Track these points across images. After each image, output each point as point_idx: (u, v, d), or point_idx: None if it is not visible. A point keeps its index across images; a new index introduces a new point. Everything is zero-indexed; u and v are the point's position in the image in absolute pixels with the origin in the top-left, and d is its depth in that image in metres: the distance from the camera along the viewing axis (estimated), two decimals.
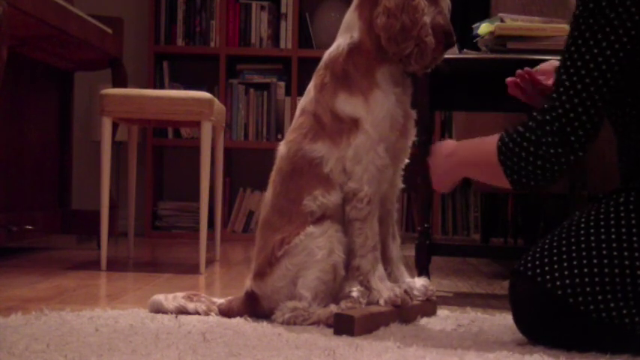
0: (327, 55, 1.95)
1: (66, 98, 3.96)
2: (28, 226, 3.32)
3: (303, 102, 1.96)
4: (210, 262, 3.30)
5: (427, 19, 1.84)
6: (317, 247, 1.84)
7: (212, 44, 4.83)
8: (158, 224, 4.81)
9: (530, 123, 1.62)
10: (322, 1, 4.94)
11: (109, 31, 3.71)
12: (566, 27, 2.40)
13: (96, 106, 4.21)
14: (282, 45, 4.82)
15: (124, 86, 3.78)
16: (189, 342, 1.62)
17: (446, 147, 1.83)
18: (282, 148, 1.96)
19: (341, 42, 1.93)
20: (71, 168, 3.99)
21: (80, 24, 3.31)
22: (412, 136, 1.96)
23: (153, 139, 4.77)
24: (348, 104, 1.87)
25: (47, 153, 3.77)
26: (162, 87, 4.84)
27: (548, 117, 1.60)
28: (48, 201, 3.76)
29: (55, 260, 3.28)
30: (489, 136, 1.71)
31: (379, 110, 1.86)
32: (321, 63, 1.95)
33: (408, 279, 2.01)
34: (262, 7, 4.85)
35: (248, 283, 1.95)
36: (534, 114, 1.63)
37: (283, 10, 4.85)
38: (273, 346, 1.60)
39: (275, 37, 4.86)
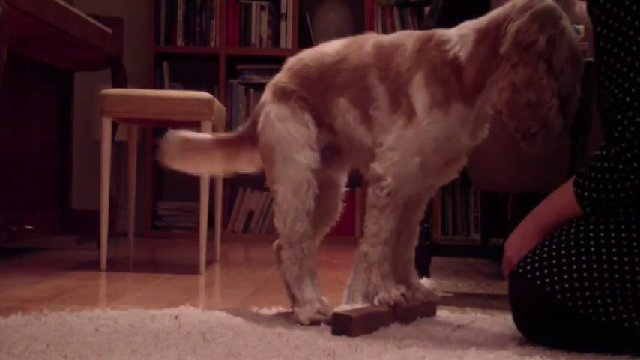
0: (440, 35, 1.85)
1: (66, 98, 3.96)
2: (28, 226, 3.32)
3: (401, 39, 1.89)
4: (210, 262, 3.30)
5: (556, 101, 1.71)
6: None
7: (212, 44, 4.83)
8: (158, 224, 4.81)
9: (598, 163, 1.60)
10: (322, 1, 4.94)
11: (109, 31, 3.71)
12: None
13: (96, 106, 4.22)
14: (282, 45, 4.82)
15: (124, 86, 3.78)
16: (189, 342, 1.62)
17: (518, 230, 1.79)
18: None
19: (453, 39, 1.82)
20: (71, 168, 3.99)
21: (80, 24, 3.31)
22: (461, 166, 1.91)
23: (153, 139, 4.76)
24: (418, 91, 1.81)
25: (47, 153, 3.77)
26: (162, 87, 4.84)
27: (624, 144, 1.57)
28: (48, 201, 3.77)
29: (55, 260, 3.28)
30: (554, 194, 1.71)
31: (429, 130, 1.79)
32: (425, 33, 1.87)
33: (414, 279, 2.00)
34: (262, 7, 4.85)
35: None
36: (598, 153, 1.61)
37: (283, 10, 4.85)
38: (273, 346, 1.60)
39: (275, 37, 4.86)
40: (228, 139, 2.11)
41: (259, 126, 1.99)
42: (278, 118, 1.95)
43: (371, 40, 1.94)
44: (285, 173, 1.92)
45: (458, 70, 1.80)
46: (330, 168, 2.01)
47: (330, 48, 1.99)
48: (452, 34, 1.84)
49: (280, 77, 2.02)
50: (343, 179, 2.07)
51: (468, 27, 1.84)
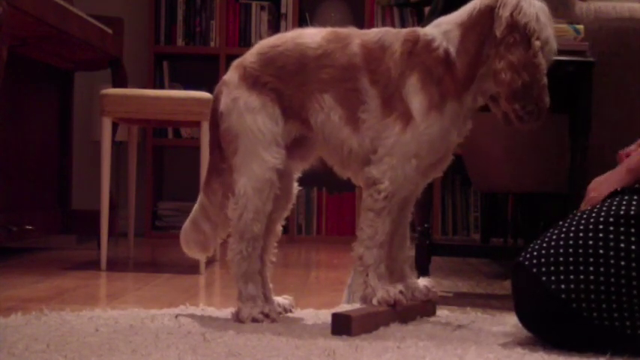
0: (424, 34, 1.88)
1: (66, 98, 3.96)
2: (28, 226, 3.32)
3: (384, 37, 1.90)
4: (210, 262, 3.30)
5: (546, 80, 1.81)
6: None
7: (212, 44, 4.83)
8: (158, 224, 4.81)
9: None
10: (322, 0, 4.94)
11: (109, 31, 3.71)
12: (566, 27, 2.40)
13: (96, 106, 4.22)
14: None
15: (124, 86, 3.78)
16: (189, 342, 1.62)
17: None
18: None
19: (438, 37, 1.86)
20: (71, 168, 3.99)
21: (80, 24, 3.31)
22: (447, 164, 1.94)
23: (153, 139, 4.76)
24: (415, 95, 1.83)
25: (47, 153, 3.77)
26: (162, 87, 4.84)
27: None
28: (48, 201, 3.76)
29: (55, 260, 3.28)
30: None
31: (427, 133, 1.83)
32: (409, 34, 1.89)
33: (410, 280, 2.00)
34: (262, 7, 4.85)
35: None
36: None
37: (283, 10, 4.85)
38: (273, 346, 1.60)
39: None
40: (207, 179, 2.06)
41: (223, 107, 1.95)
42: (247, 108, 1.90)
43: (355, 38, 1.91)
44: (248, 167, 1.89)
45: (450, 67, 1.84)
46: (291, 159, 1.97)
47: (310, 39, 1.92)
48: (433, 32, 1.88)
49: (251, 62, 1.94)
50: (299, 169, 2.04)
51: (447, 23, 1.88)
